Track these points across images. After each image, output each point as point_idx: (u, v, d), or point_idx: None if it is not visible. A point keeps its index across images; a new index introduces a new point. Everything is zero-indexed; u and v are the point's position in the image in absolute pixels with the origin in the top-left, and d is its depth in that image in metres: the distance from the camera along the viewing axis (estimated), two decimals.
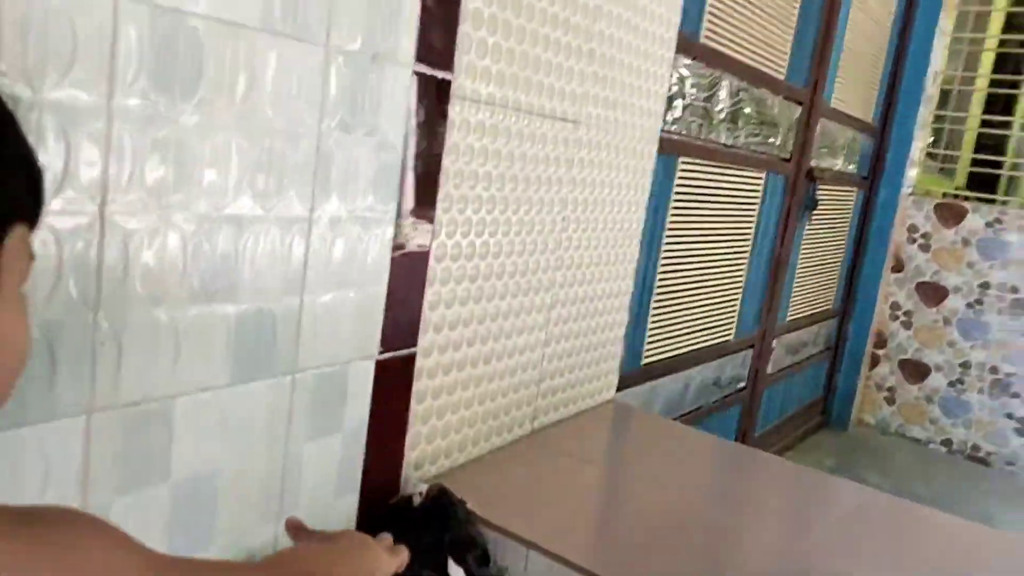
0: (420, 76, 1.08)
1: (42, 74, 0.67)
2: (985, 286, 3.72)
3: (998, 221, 3.68)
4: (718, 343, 2.56)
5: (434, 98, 1.11)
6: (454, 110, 1.15)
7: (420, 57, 1.07)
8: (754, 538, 1.26)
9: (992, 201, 3.99)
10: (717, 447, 1.83)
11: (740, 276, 2.61)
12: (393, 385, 1.15)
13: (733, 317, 2.64)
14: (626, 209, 1.68)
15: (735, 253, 2.54)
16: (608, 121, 1.54)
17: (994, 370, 3.70)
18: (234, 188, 0.86)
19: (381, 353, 1.11)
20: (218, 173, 0.84)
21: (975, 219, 3.74)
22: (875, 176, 3.80)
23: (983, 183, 4.49)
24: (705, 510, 1.34)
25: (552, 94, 1.36)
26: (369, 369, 1.10)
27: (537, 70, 1.30)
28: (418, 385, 1.21)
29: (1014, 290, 3.64)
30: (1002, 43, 4.56)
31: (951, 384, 3.82)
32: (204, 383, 0.87)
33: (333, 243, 1.00)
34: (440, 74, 1.11)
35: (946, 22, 3.77)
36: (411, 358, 1.18)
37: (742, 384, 2.84)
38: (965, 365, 3.78)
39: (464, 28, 1.13)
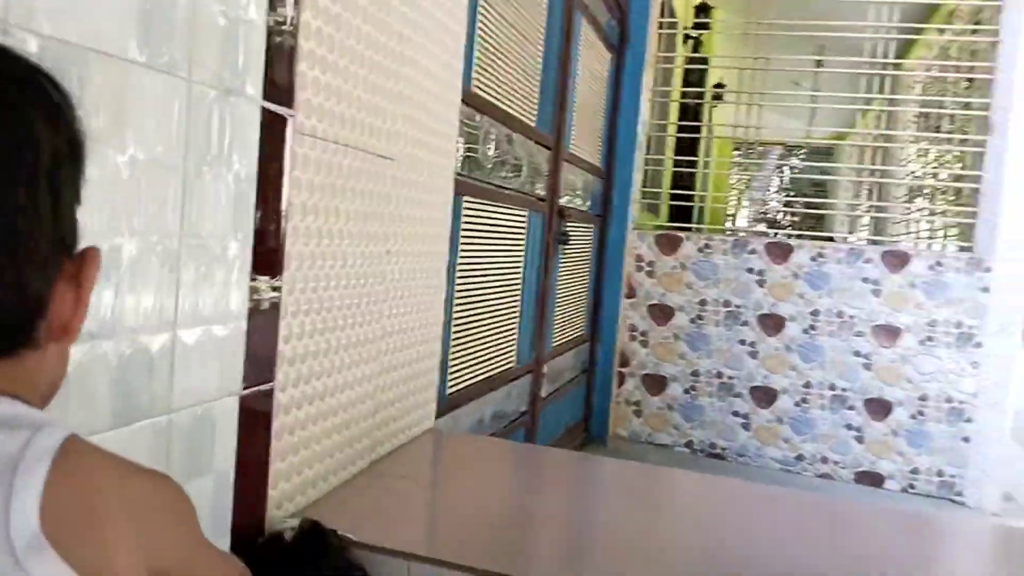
0: (267, 112, 1.10)
1: None
2: (703, 303, 4.32)
3: (707, 247, 4.31)
4: (504, 371, 2.72)
5: (279, 134, 1.13)
6: (296, 146, 1.18)
7: (267, 94, 1.09)
8: (552, 510, 1.54)
9: (700, 230, 4.67)
10: (524, 452, 1.98)
11: (516, 307, 2.81)
12: (255, 422, 1.13)
13: (514, 346, 2.82)
14: (435, 243, 1.77)
15: (511, 286, 2.73)
16: (418, 159, 1.63)
17: (719, 375, 4.29)
18: (108, 224, 0.83)
19: (244, 389, 1.09)
20: (88, 208, 0.80)
21: (689, 246, 4.34)
22: (606, 214, 4.27)
23: (682, 215, 5.24)
24: (520, 498, 1.59)
25: (373, 131, 1.43)
26: (234, 406, 1.07)
27: (360, 108, 1.37)
28: (276, 422, 1.19)
29: (727, 304, 4.27)
30: (683, 95, 5.39)
31: (686, 392, 4.36)
32: (90, 427, 0.81)
33: (198, 277, 0.98)
34: (283, 110, 1.14)
35: (648, 78, 4.38)
36: (270, 393, 1.16)
37: (524, 409, 3.03)
38: (695, 374, 4.34)
39: (301, 67, 1.17)
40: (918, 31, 5.72)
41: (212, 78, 0.97)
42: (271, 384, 1.16)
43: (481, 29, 2.21)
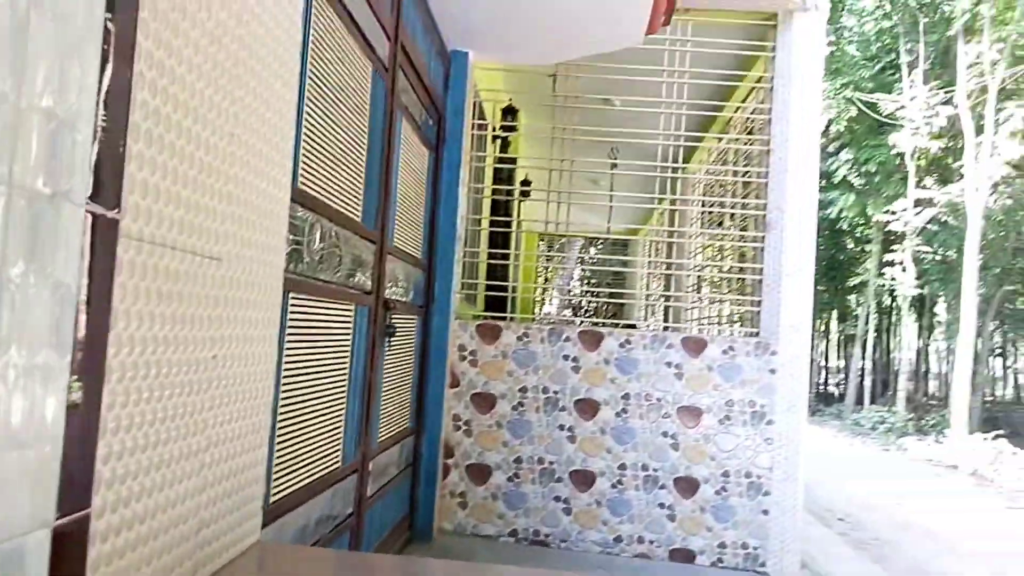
0: (93, 216, 1.03)
1: None
2: (524, 390, 4.42)
3: (526, 335, 4.45)
4: (330, 472, 2.61)
5: (106, 238, 1.06)
6: (122, 250, 1.11)
7: (94, 196, 1.03)
8: None
9: (512, 318, 4.82)
10: (350, 562, 1.89)
11: (342, 405, 2.74)
12: (70, 554, 1.01)
13: (340, 446, 2.73)
14: (264, 344, 1.70)
15: (337, 383, 2.66)
16: (246, 259, 1.58)
17: (541, 460, 4.37)
18: None
19: (58, 518, 0.98)
20: None
21: (509, 335, 4.46)
22: (428, 305, 4.31)
23: (496, 305, 5.40)
24: None
25: (201, 232, 1.37)
26: (46, 538, 0.95)
27: (188, 210, 1.31)
28: (92, 552, 1.07)
29: (545, 390, 4.40)
30: (494, 191, 5.65)
31: (509, 479, 4.40)
32: None
33: (10, 398, 0.88)
34: (110, 214, 1.07)
35: (465, 175, 4.55)
36: (86, 520, 1.05)
37: (350, 511, 2.91)
38: (518, 460, 4.40)
39: (130, 168, 1.12)
40: (699, 138, 6.39)
41: (34, 181, 0.90)
42: (87, 511, 1.05)
43: (307, 127, 2.21)
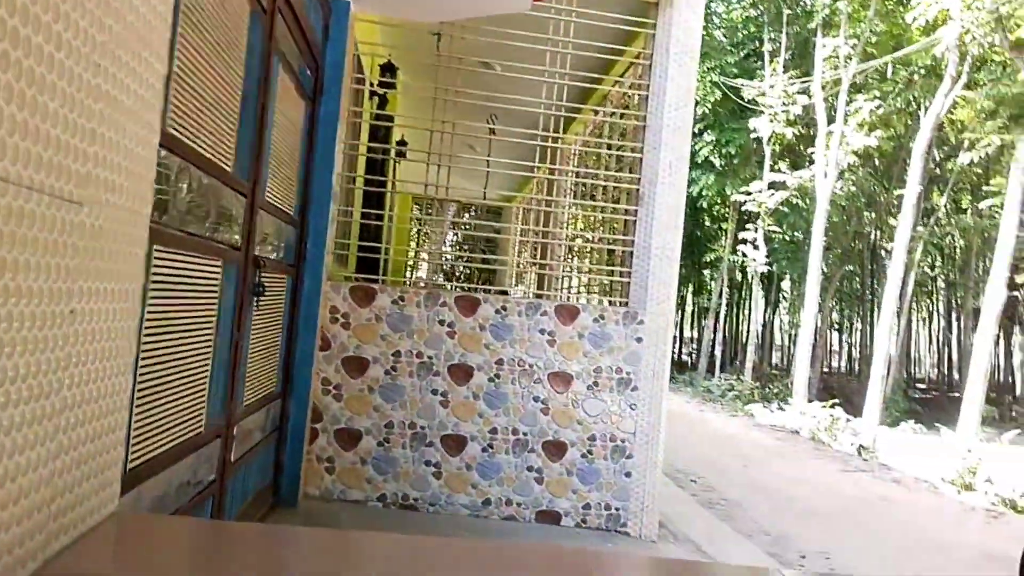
0: None
1: None
2: (397, 355, 4.36)
3: (401, 299, 4.38)
4: (192, 437, 2.47)
5: None
6: None
7: None
8: None
9: (382, 281, 4.73)
10: (212, 531, 1.81)
11: (207, 367, 2.59)
12: None
13: (203, 408, 2.59)
14: (125, 299, 1.57)
15: (201, 343, 2.51)
16: (108, 205, 1.44)
17: (412, 425, 4.34)
18: None
19: None
20: None
21: (384, 298, 4.38)
22: (300, 264, 4.15)
23: (368, 267, 5.30)
24: None
25: (62, 173, 1.23)
26: None
27: (48, 146, 1.18)
28: None
29: (420, 355, 4.36)
30: (369, 150, 5.50)
31: (380, 444, 4.35)
32: None
33: None
34: None
35: (342, 131, 4.39)
36: None
37: (212, 477, 2.78)
38: (389, 425, 4.35)
39: None
40: (578, 110, 6.46)
41: None
42: None
43: (179, 66, 2.04)
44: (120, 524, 1.62)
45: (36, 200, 1.16)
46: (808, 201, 18.80)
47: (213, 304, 2.61)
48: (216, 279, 2.62)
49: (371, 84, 5.74)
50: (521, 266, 8.09)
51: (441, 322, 4.41)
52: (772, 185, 18.94)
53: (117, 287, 1.53)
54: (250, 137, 2.87)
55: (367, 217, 5.78)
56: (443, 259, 11.60)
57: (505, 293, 6.95)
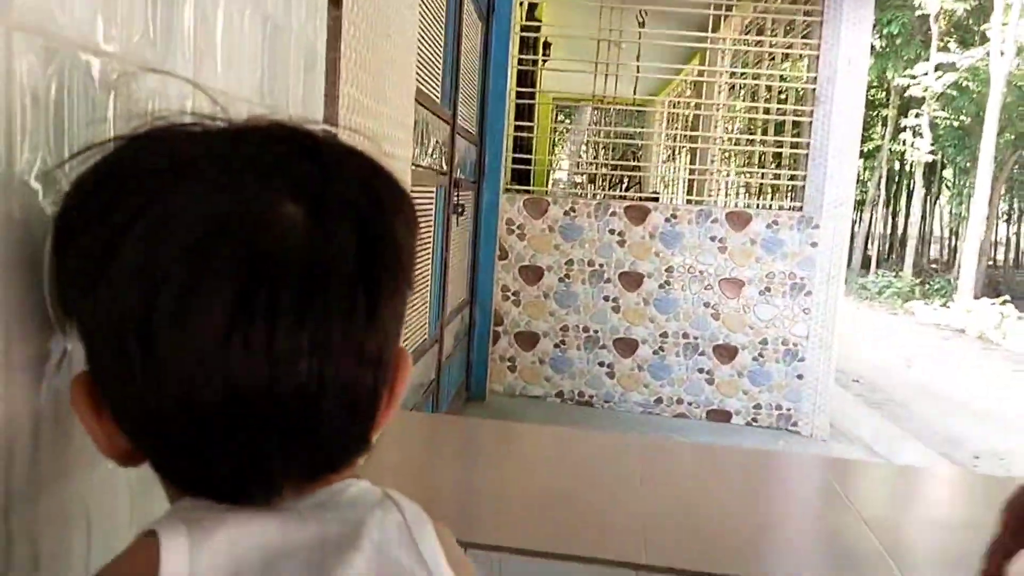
0: None
1: None
2: (570, 263, 4.59)
3: (572, 210, 4.57)
4: (422, 343, 2.81)
5: None
6: None
7: (326, 119, 1.13)
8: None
9: (530, 191, 4.91)
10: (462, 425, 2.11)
11: (427, 283, 2.90)
12: None
13: (426, 321, 2.91)
14: None
15: (423, 263, 2.81)
16: (388, 156, 1.68)
17: (586, 329, 4.60)
18: None
19: None
20: None
21: (556, 210, 4.58)
22: (480, 180, 4.40)
23: (521, 178, 5.46)
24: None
25: (386, 140, 1.47)
26: None
27: (353, 110, 1.41)
28: None
29: (591, 264, 4.57)
30: (520, 61, 5.57)
31: (556, 346, 4.65)
32: None
33: None
34: (332, 131, 1.17)
35: (513, 48, 4.51)
36: None
37: (433, 377, 3.14)
38: (564, 329, 4.63)
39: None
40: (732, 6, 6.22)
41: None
42: None
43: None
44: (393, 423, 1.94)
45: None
46: (979, 83, 17.19)
47: (430, 227, 2.89)
48: (431, 204, 2.89)
49: None
50: (672, 171, 8.04)
51: (611, 231, 4.57)
52: (940, 67, 17.40)
53: None
54: (451, 66, 3.07)
55: (520, 130, 5.92)
56: (580, 164, 11.55)
57: (656, 199, 6.96)
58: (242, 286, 0.39)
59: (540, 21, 6.31)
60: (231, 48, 0.74)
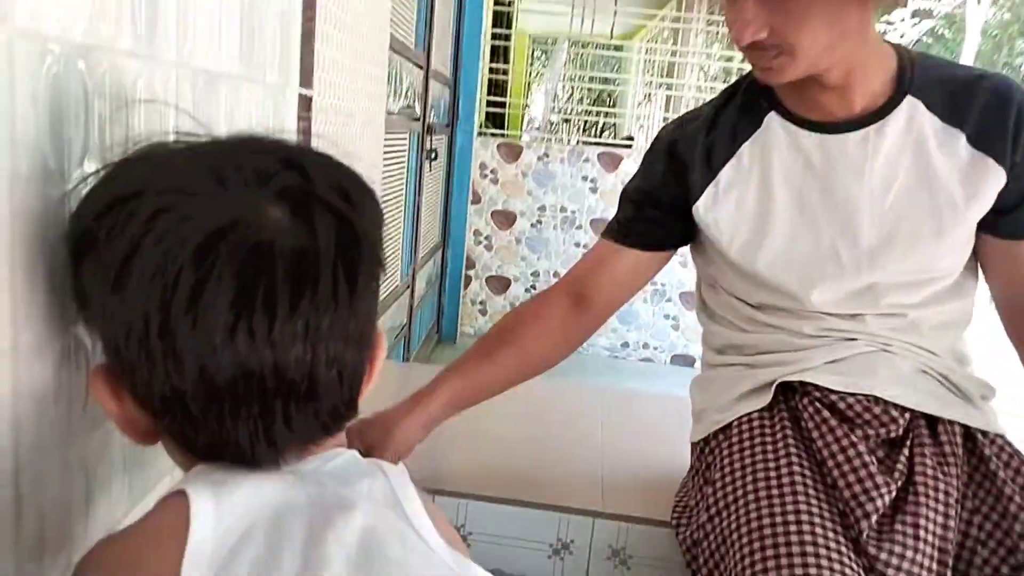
0: (301, 97, 1.15)
1: None
2: (542, 208, 4.62)
3: (546, 155, 4.58)
4: (394, 288, 2.86)
5: (307, 113, 1.19)
6: (314, 120, 1.24)
7: (301, 82, 1.15)
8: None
9: (504, 135, 4.90)
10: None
11: (399, 227, 2.92)
12: None
13: (398, 264, 2.95)
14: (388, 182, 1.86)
15: (395, 208, 2.83)
16: (370, 112, 1.70)
17: (556, 275, 4.66)
18: None
19: None
20: None
21: (529, 154, 4.59)
22: (453, 123, 4.38)
23: (496, 121, 5.43)
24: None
25: (359, 94, 1.49)
26: None
27: (343, 72, 1.42)
28: None
29: (563, 209, 4.61)
30: (496, 2, 5.48)
31: (527, 291, 4.71)
32: None
33: None
34: (308, 92, 1.19)
35: None
36: None
37: (404, 321, 3.19)
38: (535, 274, 4.69)
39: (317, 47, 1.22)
40: None
41: (274, 78, 1.02)
42: None
43: None
44: None
45: (346, 122, 1.42)
46: (954, 32, 17.22)
47: (402, 172, 2.90)
48: (405, 150, 2.89)
49: None
50: (647, 117, 8.02)
51: (584, 178, 4.60)
52: (916, 13, 17.36)
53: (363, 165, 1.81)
54: (426, 7, 3.03)
55: (495, 72, 5.86)
56: (556, 106, 11.47)
57: (630, 144, 6.96)
58: (243, 282, 0.45)
59: None
60: (211, 28, 0.76)
